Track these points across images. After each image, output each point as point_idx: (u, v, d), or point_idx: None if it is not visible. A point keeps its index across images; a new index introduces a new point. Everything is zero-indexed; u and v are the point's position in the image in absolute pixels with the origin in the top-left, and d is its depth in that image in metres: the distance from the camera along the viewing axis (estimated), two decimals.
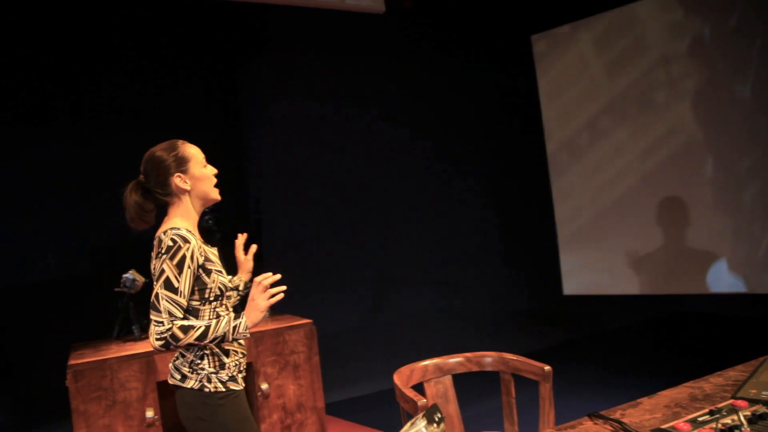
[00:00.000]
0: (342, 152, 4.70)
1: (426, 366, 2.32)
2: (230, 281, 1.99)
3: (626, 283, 5.31)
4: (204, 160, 1.94)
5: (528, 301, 5.25)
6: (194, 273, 1.75)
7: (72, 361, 2.80)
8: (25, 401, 3.96)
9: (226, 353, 1.81)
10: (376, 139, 4.84)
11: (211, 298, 1.81)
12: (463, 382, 2.48)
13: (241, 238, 2.16)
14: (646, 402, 1.61)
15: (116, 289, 3.29)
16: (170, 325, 1.67)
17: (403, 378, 2.20)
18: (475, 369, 2.36)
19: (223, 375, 1.80)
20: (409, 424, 1.15)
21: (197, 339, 1.71)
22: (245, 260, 2.15)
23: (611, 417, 1.49)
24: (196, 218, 1.92)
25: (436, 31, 5.10)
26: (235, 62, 4.61)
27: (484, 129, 5.34)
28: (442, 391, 2.34)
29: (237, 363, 1.83)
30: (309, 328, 3.36)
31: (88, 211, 4.22)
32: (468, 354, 2.37)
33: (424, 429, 1.10)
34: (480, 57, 5.22)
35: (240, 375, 1.86)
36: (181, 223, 1.84)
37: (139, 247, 4.32)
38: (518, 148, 5.39)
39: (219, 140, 4.51)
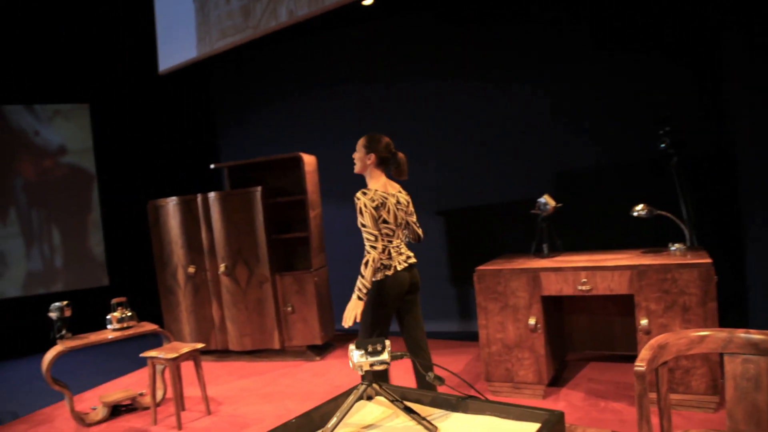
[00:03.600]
0: None
1: (730, 337, 1.80)
2: None
3: None
4: None
5: None
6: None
7: (479, 267, 3.49)
8: None
9: None
10: None
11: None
12: None
13: None
14: None
15: (532, 211, 3.73)
16: None
17: (680, 341, 1.81)
18: None
19: None
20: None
21: None
22: None
23: None
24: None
25: None
26: None
27: None
28: (752, 372, 1.77)
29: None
30: (706, 269, 2.87)
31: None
32: None
33: (353, 351, 1.13)
34: None
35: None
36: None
37: (547, 176, 4.60)
38: None
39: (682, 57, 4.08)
